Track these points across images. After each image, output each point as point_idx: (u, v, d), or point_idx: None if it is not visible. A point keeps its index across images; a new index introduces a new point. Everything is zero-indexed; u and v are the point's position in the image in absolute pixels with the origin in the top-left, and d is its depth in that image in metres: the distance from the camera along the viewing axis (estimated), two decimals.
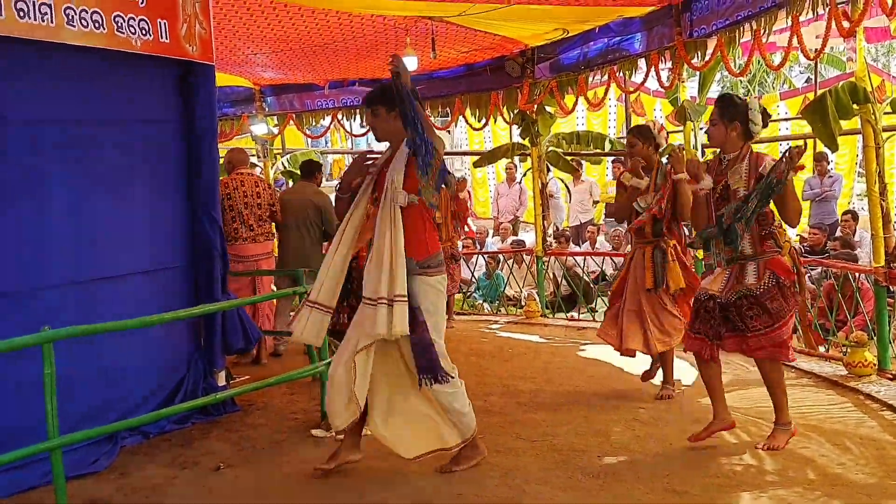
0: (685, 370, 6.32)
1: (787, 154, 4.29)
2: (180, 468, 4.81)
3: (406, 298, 4.15)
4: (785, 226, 4.57)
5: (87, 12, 4.78)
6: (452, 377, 4.38)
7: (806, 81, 22.30)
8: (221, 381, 5.99)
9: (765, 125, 4.55)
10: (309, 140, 14.01)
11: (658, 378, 6.03)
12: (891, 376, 5.84)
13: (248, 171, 7.61)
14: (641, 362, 6.96)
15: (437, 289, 4.33)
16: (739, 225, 4.38)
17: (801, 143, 4.53)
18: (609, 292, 6.22)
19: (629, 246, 6.02)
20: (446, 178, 4.37)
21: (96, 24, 4.84)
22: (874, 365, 5.92)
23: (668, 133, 5.83)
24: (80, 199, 5.08)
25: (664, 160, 5.87)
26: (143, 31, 5.13)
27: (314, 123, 11.63)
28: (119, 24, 4.98)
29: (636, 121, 14.89)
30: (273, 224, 7.69)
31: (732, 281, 4.56)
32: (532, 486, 4.28)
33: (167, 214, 5.68)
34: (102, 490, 4.47)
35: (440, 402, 4.39)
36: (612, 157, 13.22)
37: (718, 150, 4.70)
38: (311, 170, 7.96)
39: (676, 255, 5.69)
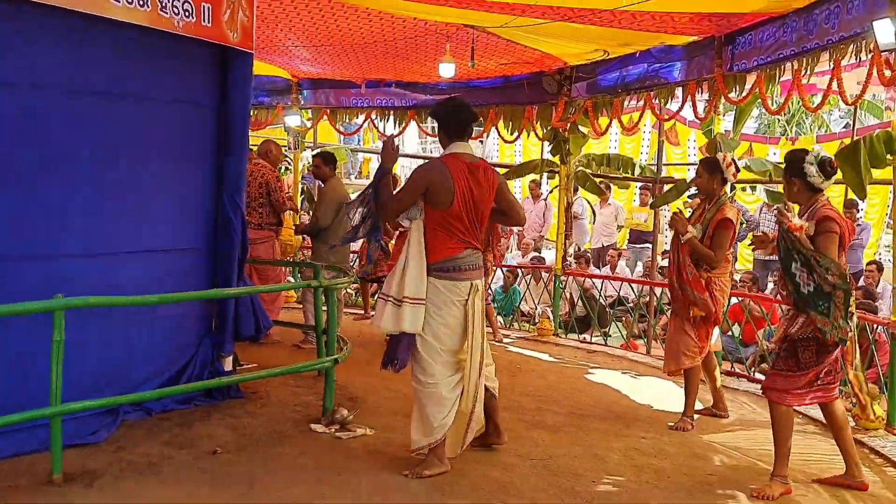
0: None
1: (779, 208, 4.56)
2: (178, 448, 4.83)
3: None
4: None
5: None
6: (422, 378, 4.58)
7: (844, 127, 22.15)
8: (228, 367, 6.02)
9: (827, 175, 4.55)
10: (341, 137, 14.03)
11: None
12: None
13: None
14: (648, 390, 6.95)
15: (438, 289, 4.57)
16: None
17: (782, 204, 4.64)
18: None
19: None
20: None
21: (141, 2, 4.89)
22: (883, 419, 5.84)
23: (736, 169, 5.83)
24: (107, 172, 5.13)
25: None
26: (187, 13, 5.17)
27: (348, 120, 11.67)
28: (163, 4, 5.02)
29: (669, 149, 14.84)
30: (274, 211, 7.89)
31: (783, 328, 4.66)
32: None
33: (192, 196, 5.72)
34: (98, 461, 4.50)
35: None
36: (641, 184, 13.16)
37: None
38: (335, 161, 8.10)
39: (707, 285, 5.76)
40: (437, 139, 4.99)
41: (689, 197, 13.38)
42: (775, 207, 4.46)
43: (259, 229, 7.77)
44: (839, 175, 5.26)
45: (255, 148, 11.28)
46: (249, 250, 7.48)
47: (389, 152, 4.86)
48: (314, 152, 9.14)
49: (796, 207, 4.77)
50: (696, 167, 6.19)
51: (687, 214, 6.00)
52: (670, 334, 6.03)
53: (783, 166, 4.76)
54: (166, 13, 5.05)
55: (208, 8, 5.31)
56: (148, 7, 4.94)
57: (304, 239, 9.48)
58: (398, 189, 4.91)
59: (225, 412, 5.55)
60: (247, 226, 5.96)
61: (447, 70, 8.66)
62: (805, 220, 4.52)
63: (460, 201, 4.54)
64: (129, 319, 5.23)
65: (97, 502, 4.00)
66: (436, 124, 4.83)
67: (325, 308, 6.17)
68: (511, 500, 4.31)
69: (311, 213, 7.97)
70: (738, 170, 5.92)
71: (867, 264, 10.46)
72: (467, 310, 4.58)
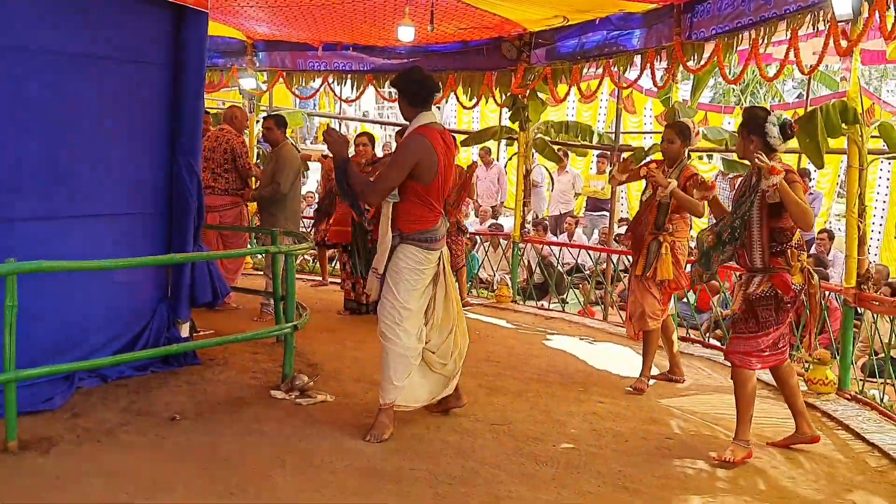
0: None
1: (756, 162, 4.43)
2: (135, 414, 4.77)
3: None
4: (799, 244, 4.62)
5: None
6: (391, 335, 4.63)
7: (797, 97, 22.50)
8: (185, 333, 5.94)
9: (786, 137, 4.53)
10: (297, 101, 13.86)
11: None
12: (849, 396, 5.90)
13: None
14: (605, 356, 7.03)
15: (416, 257, 4.64)
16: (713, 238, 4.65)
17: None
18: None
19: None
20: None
21: None
22: (834, 384, 5.98)
23: (700, 136, 5.88)
24: (59, 134, 4.99)
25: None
26: None
27: (304, 84, 11.49)
28: None
29: (625, 117, 14.90)
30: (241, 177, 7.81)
31: (741, 291, 4.69)
32: (485, 468, 4.29)
33: (146, 159, 5.60)
34: (54, 428, 4.42)
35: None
36: (598, 151, 13.21)
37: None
38: (286, 125, 7.98)
39: (672, 249, 5.83)
40: (394, 104, 4.95)
41: (596, 156, 13.52)
42: (756, 157, 4.36)
43: (225, 195, 7.69)
44: (795, 144, 5.33)
45: (211, 111, 11.14)
46: (218, 217, 7.47)
47: (336, 141, 4.68)
48: (264, 115, 8.95)
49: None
50: (655, 134, 6.20)
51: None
52: (634, 297, 6.06)
53: (740, 122, 4.71)
54: None
55: None
56: None
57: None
58: (383, 167, 4.88)
59: (182, 379, 5.50)
60: (202, 190, 5.84)
61: (406, 34, 8.56)
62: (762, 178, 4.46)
63: (440, 175, 4.58)
64: (83, 284, 5.12)
65: (55, 469, 3.93)
66: (396, 93, 4.77)
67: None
68: (471, 463, 4.33)
69: (261, 179, 7.75)
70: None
71: (818, 232, 10.64)
72: (440, 276, 4.70)
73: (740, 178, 4.95)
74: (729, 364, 4.77)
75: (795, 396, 4.82)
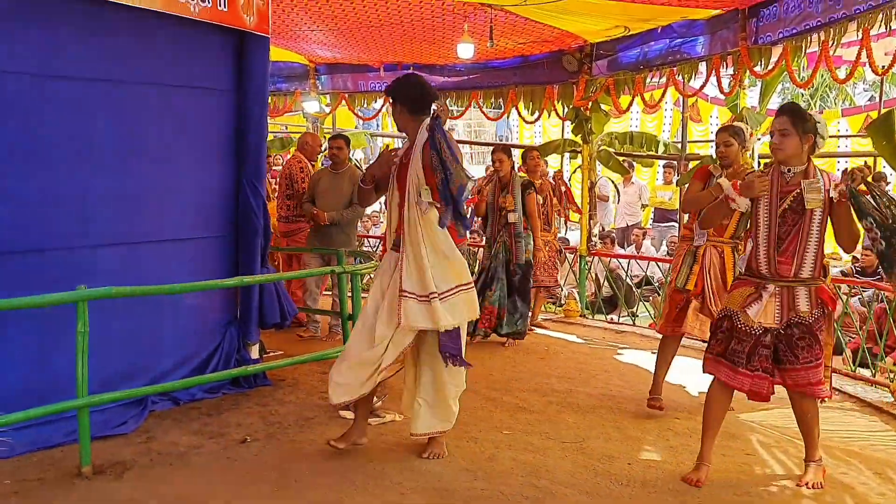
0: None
1: (855, 170, 4.07)
2: (207, 437, 4.80)
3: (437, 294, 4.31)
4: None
5: None
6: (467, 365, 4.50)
7: (869, 100, 21.84)
8: (255, 355, 5.99)
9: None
10: (360, 122, 13.97)
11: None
12: None
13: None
14: (679, 370, 6.84)
15: None
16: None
17: (863, 162, 4.18)
18: (674, 289, 5.82)
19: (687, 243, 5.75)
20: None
21: None
22: None
23: (757, 140, 5.64)
24: (126, 161, 5.09)
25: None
26: None
27: (366, 105, 11.58)
28: None
29: (690, 126, 14.65)
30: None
31: (784, 308, 4.18)
32: (558, 487, 4.20)
33: (212, 183, 5.68)
34: (127, 452, 4.48)
35: (446, 386, 4.49)
36: (664, 161, 13.00)
37: (781, 162, 4.26)
38: None
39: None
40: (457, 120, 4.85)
41: (662, 166, 13.21)
42: (855, 168, 4.01)
43: (288, 223, 7.77)
44: (870, 146, 5.12)
45: (274, 136, 11.30)
46: (290, 243, 7.59)
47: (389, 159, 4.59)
48: (329, 135, 9.00)
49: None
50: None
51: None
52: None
53: (789, 118, 4.19)
54: None
55: None
56: None
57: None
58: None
59: (253, 400, 5.53)
60: (268, 211, 5.90)
61: (466, 51, 8.55)
62: (814, 181, 4.14)
63: None
64: (153, 309, 5.20)
65: (127, 494, 3.97)
66: (392, 102, 4.51)
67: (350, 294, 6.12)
68: (544, 483, 4.24)
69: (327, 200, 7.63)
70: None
71: None
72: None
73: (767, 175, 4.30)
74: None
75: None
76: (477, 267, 8.42)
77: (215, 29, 5.35)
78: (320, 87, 11.25)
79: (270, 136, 11.41)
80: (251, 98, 5.70)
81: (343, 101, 11.31)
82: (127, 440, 4.68)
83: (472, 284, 4.52)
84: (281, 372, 6.01)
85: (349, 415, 5.23)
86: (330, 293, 8.37)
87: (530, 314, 7.92)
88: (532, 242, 7.65)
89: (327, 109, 11.51)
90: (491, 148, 8.70)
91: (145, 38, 5.12)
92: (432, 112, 4.41)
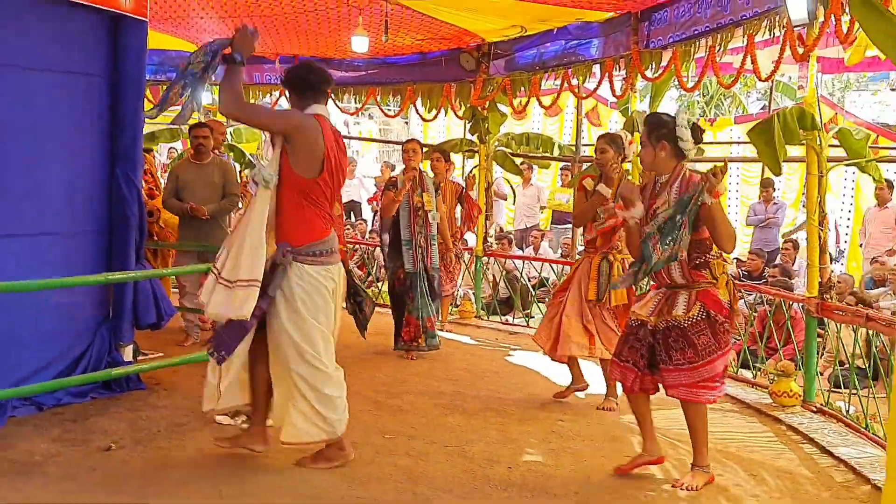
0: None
1: (706, 174, 4.06)
2: (69, 444, 4.53)
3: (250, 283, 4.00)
4: (726, 256, 4.38)
5: None
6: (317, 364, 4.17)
7: (762, 108, 22.56)
8: (128, 357, 5.70)
9: (697, 141, 4.24)
10: None
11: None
12: (814, 409, 5.76)
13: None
14: (568, 372, 6.83)
15: (313, 278, 4.16)
16: (653, 245, 4.07)
17: (721, 164, 4.19)
18: (549, 297, 5.99)
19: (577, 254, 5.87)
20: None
21: None
22: (799, 396, 5.83)
23: (635, 146, 5.66)
24: None
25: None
26: None
27: (261, 97, 11.27)
28: None
29: (590, 130, 14.82)
30: None
31: (662, 308, 4.25)
32: (436, 493, 4.10)
33: (84, 174, 5.39)
34: None
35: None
36: (562, 164, 13.09)
37: (649, 171, 4.36)
38: None
39: (623, 269, 5.52)
40: (355, 117, 4.65)
41: (560, 169, 13.39)
42: (708, 173, 4.06)
43: None
44: (753, 151, 5.18)
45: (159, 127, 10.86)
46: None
47: (246, 37, 4.25)
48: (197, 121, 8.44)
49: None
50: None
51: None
52: (577, 320, 5.63)
53: (644, 128, 4.29)
54: None
55: None
56: None
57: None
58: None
59: (124, 405, 5.26)
60: (143, 204, 5.62)
61: (360, 44, 8.38)
62: (674, 188, 4.17)
63: (328, 170, 4.13)
64: (15, 307, 4.87)
65: None
66: (287, 91, 4.37)
67: None
68: (422, 489, 4.13)
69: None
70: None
71: (783, 242, 10.58)
72: (335, 297, 4.26)
73: (643, 186, 4.40)
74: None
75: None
76: (385, 274, 7.95)
77: (87, 10, 5.07)
78: (213, 78, 10.86)
79: (159, 127, 10.97)
80: (126, 84, 5.43)
81: None
82: None
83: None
84: (157, 375, 5.74)
85: (225, 420, 5.01)
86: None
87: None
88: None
89: None
90: (400, 146, 8.44)
91: (11, 18, 4.81)
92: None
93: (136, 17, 5.34)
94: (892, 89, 25.07)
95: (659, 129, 4.21)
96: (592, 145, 14.94)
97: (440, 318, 7.82)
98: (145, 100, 5.87)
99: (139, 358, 5.97)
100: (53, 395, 5.11)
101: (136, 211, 5.50)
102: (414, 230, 7.03)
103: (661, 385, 4.34)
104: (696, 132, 4.23)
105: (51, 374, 5.13)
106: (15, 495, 3.81)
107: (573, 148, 10.59)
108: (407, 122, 21.17)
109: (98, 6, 5.07)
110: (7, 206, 4.91)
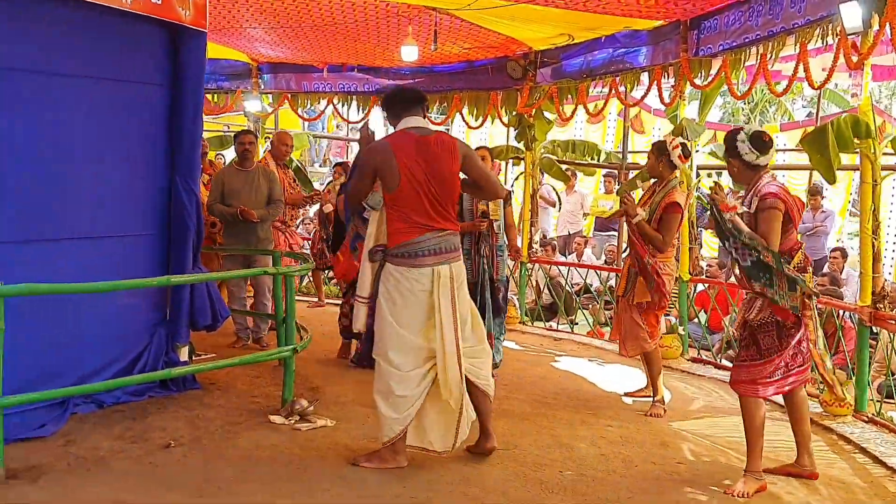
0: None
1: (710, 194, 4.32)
2: (130, 441, 4.65)
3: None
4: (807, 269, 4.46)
5: None
6: (385, 366, 4.39)
7: (807, 115, 22.32)
8: (184, 357, 5.83)
9: (763, 149, 4.37)
10: (304, 122, 13.80)
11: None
12: (866, 418, 5.71)
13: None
14: (616, 378, 6.85)
15: (394, 276, 4.38)
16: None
17: (713, 181, 4.54)
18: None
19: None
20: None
21: None
22: (851, 405, 5.79)
23: (685, 153, 5.75)
24: (50, 154, 4.91)
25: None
26: None
27: (310, 105, 11.44)
28: None
29: (634, 137, 14.78)
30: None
31: (742, 312, 4.53)
32: (489, 495, 4.15)
33: (144, 180, 5.52)
34: (44, 456, 4.31)
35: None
36: (605, 171, 13.09)
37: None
38: None
39: (653, 269, 5.66)
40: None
41: (603, 176, 13.35)
42: (710, 185, 4.37)
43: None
44: (806, 160, 5.19)
45: (212, 133, 11.03)
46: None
47: (366, 138, 4.71)
48: (272, 132, 8.69)
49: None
50: None
51: (637, 196, 5.92)
52: (619, 318, 6.00)
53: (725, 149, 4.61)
54: None
55: None
56: None
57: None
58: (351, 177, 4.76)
59: (180, 404, 5.37)
60: (201, 210, 5.75)
61: (409, 53, 8.49)
62: (749, 199, 4.37)
63: (406, 180, 4.30)
64: (77, 308, 5.02)
65: (41, 498, 3.81)
66: (386, 115, 4.67)
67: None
68: (474, 490, 4.19)
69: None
70: (687, 154, 5.88)
71: (831, 251, 10.47)
72: (434, 299, 4.33)
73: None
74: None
75: (801, 424, 4.55)
76: None
77: (149, 21, 5.19)
78: (262, 86, 11.07)
79: (210, 135, 11.18)
80: (186, 94, 5.56)
81: (286, 102, 11.16)
82: (45, 443, 4.50)
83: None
84: (212, 375, 5.86)
85: (278, 419, 5.13)
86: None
87: None
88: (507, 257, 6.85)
89: (269, 109, 11.35)
90: None
91: (76, 29, 4.97)
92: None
93: (196, 28, 5.47)
94: None
95: (727, 148, 4.50)
96: (636, 152, 15.02)
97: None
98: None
99: (194, 358, 6.10)
100: (112, 394, 5.24)
101: (193, 216, 5.62)
102: (473, 240, 6.42)
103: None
104: (758, 141, 4.37)
105: (111, 372, 5.24)
106: (83, 491, 3.93)
107: (619, 155, 10.59)
108: (448, 129, 21.30)
109: (160, 17, 5.19)
110: (71, 210, 5.05)
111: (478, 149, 7.46)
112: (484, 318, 6.11)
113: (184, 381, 5.65)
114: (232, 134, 11.46)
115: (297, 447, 4.68)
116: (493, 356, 6.20)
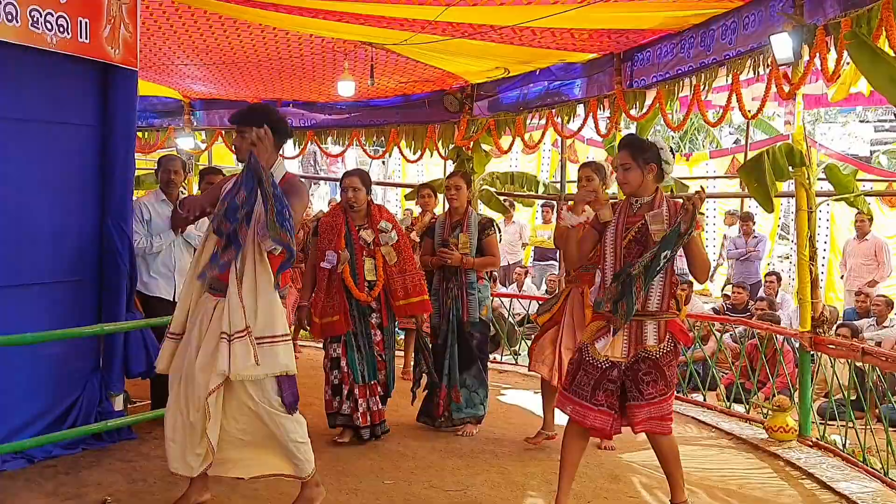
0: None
1: (691, 200, 3.96)
2: (63, 499, 4.44)
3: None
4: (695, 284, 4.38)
5: None
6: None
7: (735, 142, 22.91)
8: (119, 406, 5.60)
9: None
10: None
11: None
12: (811, 443, 5.77)
13: None
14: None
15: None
16: (637, 289, 3.97)
17: (701, 188, 4.20)
18: (538, 326, 5.89)
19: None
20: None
21: (9, 17, 4.51)
22: (795, 430, 5.85)
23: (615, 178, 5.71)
24: None
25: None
26: (61, 29, 4.81)
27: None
28: (35, 19, 4.65)
29: (569, 167, 14.92)
30: None
31: (632, 342, 4.07)
32: None
33: (74, 224, 5.33)
34: None
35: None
36: (543, 201, 13.19)
37: (628, 195, 4.22)
38: None
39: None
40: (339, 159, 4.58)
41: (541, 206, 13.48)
42: (695, 197, 4.02)
43: None
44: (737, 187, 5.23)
45: (140, 172, 10.73)
46: None
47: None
48: (202, 168, 8.33)
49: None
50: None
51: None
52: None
53: (626, 149, 4.15)
54: (38, 28, 4.68)
55: (86, 23, 4.97)
56: (17, 23, 4.56)
57: None
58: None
59: (116, 456, 5.16)
60: (134, 255, 5.56)
61: (346, 89, 8.44)
62: (661, 210, 4.08)
63: None
64: (4, 359, 4.78)
65: None
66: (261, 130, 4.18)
67: None
68: None
69: None
70: None
71: (766, 275, 10.67)
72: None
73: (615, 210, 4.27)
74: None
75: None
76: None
77: (77, 61, 5.05)
78: (195, 123, 10.89)
79: (141, 173, 10.91)
80: (117, 134, 5.40)
81: (220, 138, 10.98)
82: None
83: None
84: (149, 424, 5.64)
85: None
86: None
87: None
88: (489, 296, 6.15)
89: (203, 146, 11.15)
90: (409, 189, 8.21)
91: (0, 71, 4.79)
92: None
93: (126, 67, 5.33)
94: (861, 121, 25.58)
95: (645, 151, 4.14)
96: (572, 182, 15.15)
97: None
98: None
99: (130, 406, 5.87)
100: (43, 449, 5.01)
101: (126, 260, 5.44)
102: (442, 279, 5.99)
103: (631, 424, 4.17)
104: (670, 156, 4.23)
105: (42, 425, 5.04)
106: None
107: (556, 185, 10.67)
108: (384, 163, 21.25)
109: (88, 57, 5.05)
110: None
111: (421, 186, 7.43)
112: (448, 369, 5.89)
113: (118, 431, 5.43)
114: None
115: (238, 497, 4.52)
116: (459, 413, 5.97)
